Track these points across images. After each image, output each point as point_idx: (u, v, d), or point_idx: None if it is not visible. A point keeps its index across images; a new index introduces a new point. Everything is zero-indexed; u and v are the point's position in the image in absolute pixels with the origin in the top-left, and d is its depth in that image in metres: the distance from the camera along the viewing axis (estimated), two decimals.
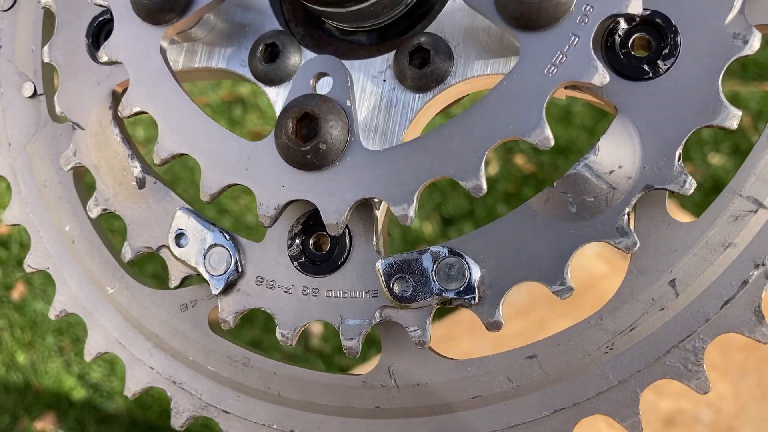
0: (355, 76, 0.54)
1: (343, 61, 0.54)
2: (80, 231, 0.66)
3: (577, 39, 0.46)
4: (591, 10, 0.46)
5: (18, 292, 2.27)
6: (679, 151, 0.47)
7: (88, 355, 0.66)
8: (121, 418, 2.01)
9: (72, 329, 2.18)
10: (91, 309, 0.65)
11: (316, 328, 2.02)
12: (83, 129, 0.60)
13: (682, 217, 1.58)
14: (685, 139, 0.47)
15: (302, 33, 0.58)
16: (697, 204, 1.99)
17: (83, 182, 0.69)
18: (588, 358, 0.50)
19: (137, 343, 0.63)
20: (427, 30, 0.54)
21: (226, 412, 0.58)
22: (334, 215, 0.50)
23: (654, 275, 0.49)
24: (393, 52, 0.54)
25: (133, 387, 0.64)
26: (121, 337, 0.64)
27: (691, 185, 0.47)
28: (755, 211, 0.48)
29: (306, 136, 0.50)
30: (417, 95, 0.53)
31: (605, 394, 0.50)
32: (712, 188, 2.10)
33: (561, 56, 0.46)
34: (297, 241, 0.55)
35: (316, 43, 0.58)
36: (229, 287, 0.55)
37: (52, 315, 0.67)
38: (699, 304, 0.49)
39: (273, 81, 0.56)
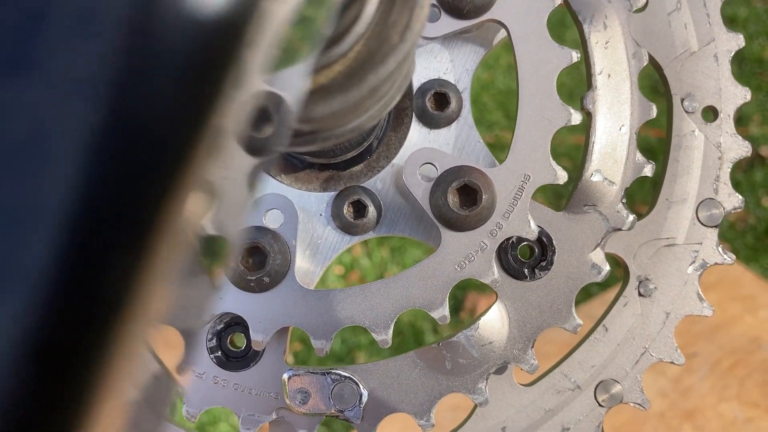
0: (295, 201, 0.63)
1: (289, 189, 0.63)
2: None
3: (485, 246, 0.59)
4: (501, 227, 0.59)
5: None
6: (533, 341, 0.62)
7: None
8: None
9: None
10: None
11: None
12: None
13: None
14: (540, 333, 0.62)
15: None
16: (750, 247, 2.19)
17: None
18: None
19: None
20: (364, 184, 0.64)
21: None
22: (261, 335, 0.59)
23: (492, 421, 0.65)
24: (333, 194, 0.64)
25: None
26: None
27: (535, 368, 0.62)
28: (573, 390, 0.65)
29: (253, 266, 0.58)
30: (345, 236, 0.64)
31: None
32: (765, 231, 2.26)
33: (471, 256, 0.59)
34: (216, 337, 0.63)
35: None
36: None
37: None
38: None
39: None
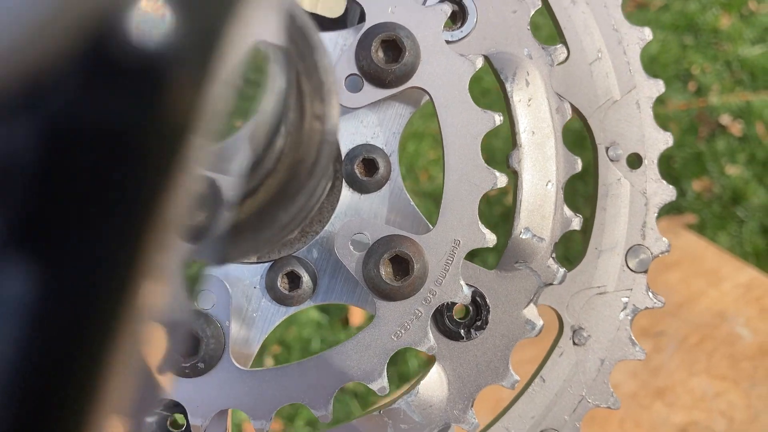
0: (230, 272, 0.62)
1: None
2: None
3: (420, 314, 0.59)
4: (434, 294, 0.59)
5: None
6: (473, 400, 0.63)
7: None
8: None
9: None
10: None
11: None
12: None
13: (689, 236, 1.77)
14: (479, 392, 0.63)
15: None
16: (717, 216, 2.17)
17: None
18: None
19: None
20: (298, 253, 0.63)
21: None
22: (199, 419, 0.58)
23: None
24: (268, 266, 0.63)
25: None
26: None
27: (475, 427, 0.63)
28: None
29: (187, 353, 0.57)
30: (280, 308, 0.63)
31: None
32: (731, 199, 2.25)
33: (406, 325, 0.59)
34: (155, 417, 0.62)
35: None
36: None
37: None
38: None
39: None
